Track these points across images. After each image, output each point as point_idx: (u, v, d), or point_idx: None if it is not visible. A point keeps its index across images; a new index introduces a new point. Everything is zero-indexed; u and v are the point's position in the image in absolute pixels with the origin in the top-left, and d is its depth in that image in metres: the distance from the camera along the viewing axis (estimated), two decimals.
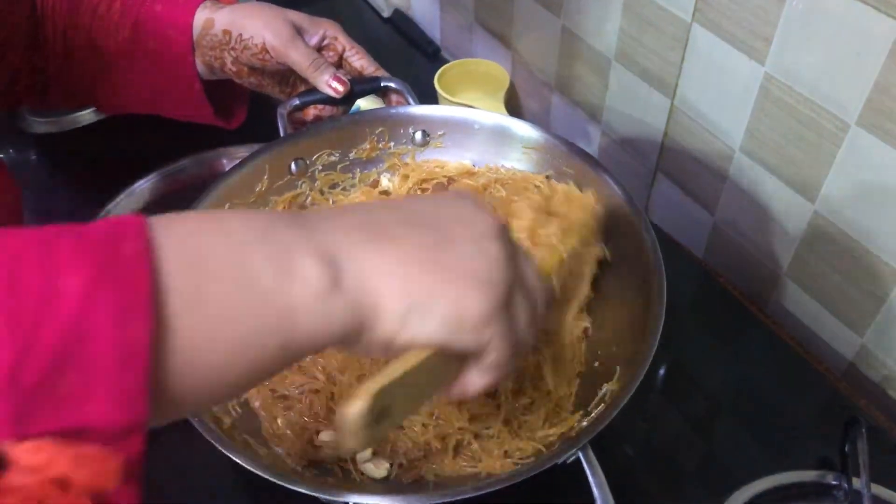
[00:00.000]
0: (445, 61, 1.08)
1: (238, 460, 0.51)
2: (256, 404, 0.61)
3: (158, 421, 0.32)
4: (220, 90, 0.82)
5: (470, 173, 0.76)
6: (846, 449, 0.60)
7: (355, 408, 0.36)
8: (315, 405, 0.62)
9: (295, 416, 0.61)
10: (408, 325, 0.39)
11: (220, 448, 0.51)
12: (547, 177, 0.73)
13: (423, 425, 0.60)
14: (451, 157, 0.77)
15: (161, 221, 0.33)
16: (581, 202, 0.66)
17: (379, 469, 0.58)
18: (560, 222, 0.64)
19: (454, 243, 0.41)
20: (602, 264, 0.68)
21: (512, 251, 0.43)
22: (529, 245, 0.62)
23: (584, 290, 0.67)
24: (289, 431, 0.60)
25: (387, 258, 0.39)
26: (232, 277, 0.34)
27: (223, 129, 0.85)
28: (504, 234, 0.43)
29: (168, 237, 0.33)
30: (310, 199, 0.76)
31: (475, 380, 0.44)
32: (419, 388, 0.41)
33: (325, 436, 0.60)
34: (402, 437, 0.60)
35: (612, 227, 0.69)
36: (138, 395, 0.29)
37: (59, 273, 0.29)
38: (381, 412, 0.37)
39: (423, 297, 0.39)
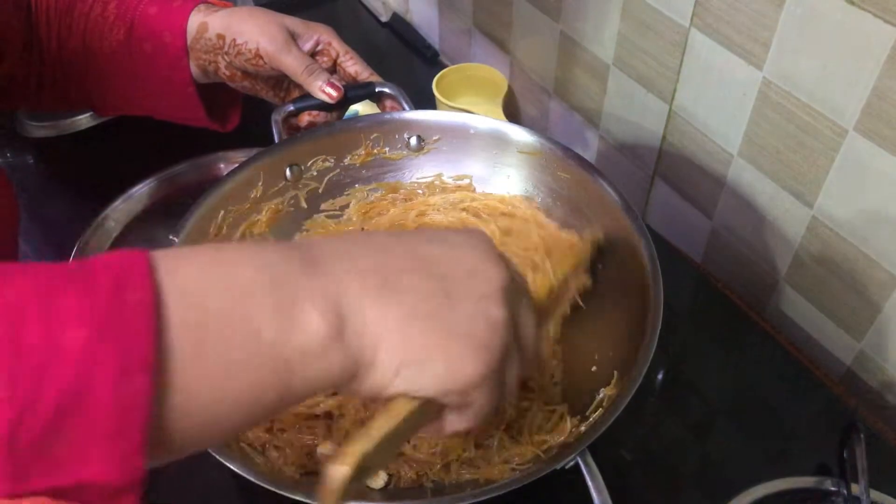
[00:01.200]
0: (444, 66, 1.08)
1: (235, 469, 0.51)
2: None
3: (153, 465, 0.32)
4: (214, 93, 0.82)
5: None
6: (844, 455, 0.60)
7: (341, 472, 0.36)
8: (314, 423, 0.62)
9: (292, 434, 0.61)
10: (400, 378, 0.39)
11: (217, 456, 0.51)
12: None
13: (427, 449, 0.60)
14: (447, 163, 0.78)
15: (167, 262, 0.33)
16: (574, 245, 0.68)
17: (377, 480, 0.58)
18: (557, 253, 0.66)
19: (459, 301, 0.40)
20: (599, 270, 0.68)
21: (513, 312, 0.43)
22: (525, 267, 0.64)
23: (561, 309, 0.67)
24: (288, 450, 0.60)
25: (392, 313, 0.38)
26: (235, 331, 0.34)
27: (219, 132, 0.85)
28: (507, 294, 0.42)
29: (173, 284, 0.32)
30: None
31: (453, 424, 0.44)
32: (400, 437, 0.41)
33: (324, 449, 0.59)
34: (405, 458, 0.59)
35: (608, 233, 0.69)
36: (134, 454, 0.29)
37: (61, 328, 0.29)
38: (364, 469, 0.37)
39: (420, 355, 0.39)
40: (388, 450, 0.40)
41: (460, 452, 0.59)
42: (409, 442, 0.59)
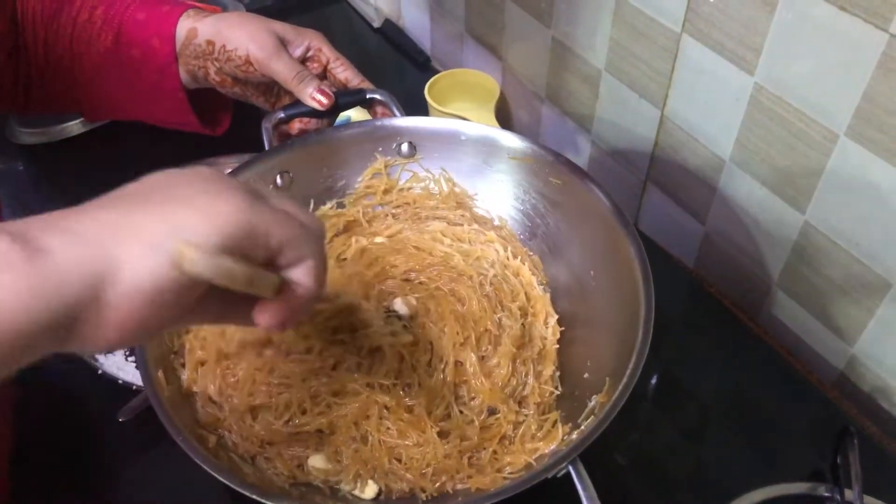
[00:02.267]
0: (436, 71, 1.08)
1: (225, 480, 0.50)
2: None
3: None
4: (204, 97, 0.82)
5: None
6: (838, 460, 0.60)
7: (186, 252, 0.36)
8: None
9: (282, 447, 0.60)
10: (157, 254, 0.36)
11: (206, 468, 0.51)
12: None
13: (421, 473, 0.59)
14: (437, 170, 0.77)
15: None
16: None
17: (367, 490, 0.58)
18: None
19: (186, 193, 0.39)
20: (591, 277, 0.68)
21: (253, 189, 0.42)
22: None
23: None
24: (278, 462, 0.59)
25: (102, 217, 0.37)
26: None
27: (211, 138, 0.84)
28: (239, 183, 0.41)
29: None
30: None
31: (296, 280, 0.42)
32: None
33: (314, 461, 0.59)
34: (396, 477, 0.59)
35: (600, 238, 0.69)
36: None
37: None
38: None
39: (163, 222, 0.37)
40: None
41: (454, 473, 0.59)
42: (399, 461, 0.59)
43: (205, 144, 0.85)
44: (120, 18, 0.75)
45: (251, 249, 0.39)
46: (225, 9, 0.98)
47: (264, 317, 0.43)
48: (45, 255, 0.34)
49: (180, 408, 0.58)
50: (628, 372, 0.55)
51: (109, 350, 0.39)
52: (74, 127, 0.98)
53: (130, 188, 0.40)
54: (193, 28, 0.75)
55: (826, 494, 0.61)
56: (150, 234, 0.36)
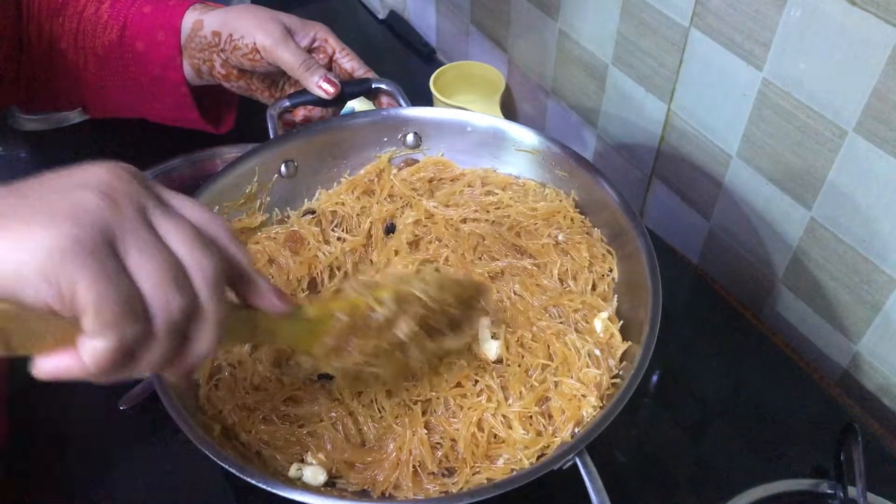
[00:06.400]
0: (441, 63, 1.08)
1: (233, 470, 0.50)
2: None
3: None
4: (209, 95, 0.81)
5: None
6: (841, 457, 0.60)
7: None
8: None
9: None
10: None
11: (213, 458, 0.50)
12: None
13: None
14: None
15: None
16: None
17: (317, 476, 0.57)
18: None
19: (34, 197, 0.35)
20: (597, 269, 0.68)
21: (133, 200, 0.37)
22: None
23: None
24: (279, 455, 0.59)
25: None
26: None
27: (214, 133, 0.84)
28: (116, 189, 0.37)
29: None
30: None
31: (87, 347, 0.36)
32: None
33: (293, 471, 0.58)
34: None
35: (607, 232, 0.68)
36: None
37: None
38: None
39: None
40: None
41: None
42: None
43: (207, 135, 0.85)
44: (126, 12, 0.75)
45: (49, 300, 0.34)
46: (230, 2, 0.97)
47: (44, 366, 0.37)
48: None
49: (185, 397, 0.57)
50: (635, 366, 0.54)
51: None
52: (76, 114, 0.97)
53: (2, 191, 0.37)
54: (199, 20, 0.75)
55: (829, 491, 0.61)
56: None
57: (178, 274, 0.37)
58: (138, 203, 0.37)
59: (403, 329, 0.53)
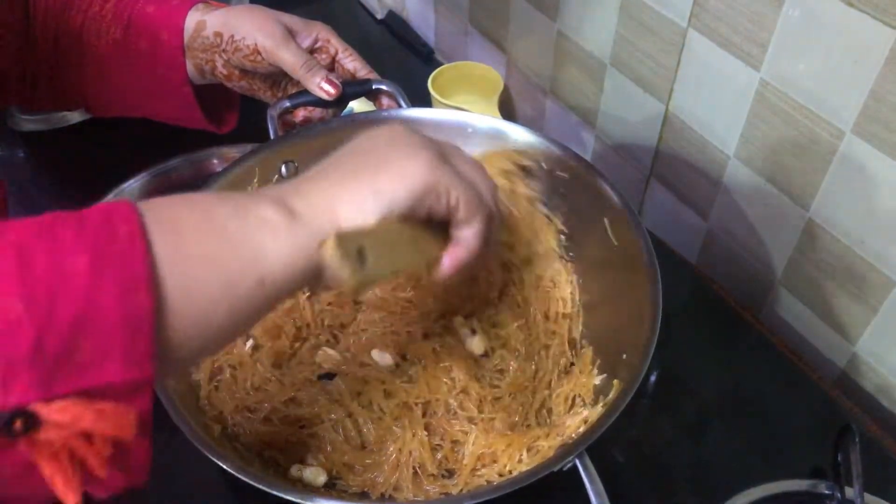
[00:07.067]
0: (439, 64, 1.08)
1: (234, 471, 0.50)
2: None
3: (162, 374, 0.36)
4: (212, 95, 0.81)
5: None
6: (839, 458, 0.60)
7: (327, 245, 0.42)
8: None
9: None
10: (366, 211, 0.44)
11: (213, 459, 0.51)
12: None
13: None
14: None
15: (144, 204, 0.39)
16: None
17: (317, 478, 0.58)
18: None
19: (386, 156, 0.47)
20: (595, 267, 0.68)
21: (440, 149, 0.49)
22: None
23: None
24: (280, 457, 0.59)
25: (329, 183, 0.45)
26: (203, 231, 0.39)
27: (216, 132, 0.84)
28: (430, 142, 0.49)
29: (152, 215, 0.37)
30: None
31: (465, 238, 0.50)
32: (400, 246, 0.47)
33: (308, 476, 0.58)
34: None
35: (609, 234, 0.68)
36: (146, 355, 0.34)
37: (65, 255, 0.34)
38: (360, 254, 0.43)
39: (370, 186, 0.45)
40: (387, 251, 0.46)
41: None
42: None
43: (209, 133, 0.85)
44: (130, 11, 0.75)
45: (434, 203, 0.47)
46: (230, 2, 0.97)
47: (446, 261, 0.51)
48: (299, 218, 0.42)
49: (185, 397, 0.58)
50: (636, 368, 0.54)
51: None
52: (76, 114, 0.97)
53: (343, 156, 0.48)
54: (202, 20, 0.75)
55: (826, 492, 0.61)
56: (361, 197, 0.45)
57: (481, 174, 0.53)
58: (447, 153, 0.50)
59: None
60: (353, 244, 0.43)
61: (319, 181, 0.46)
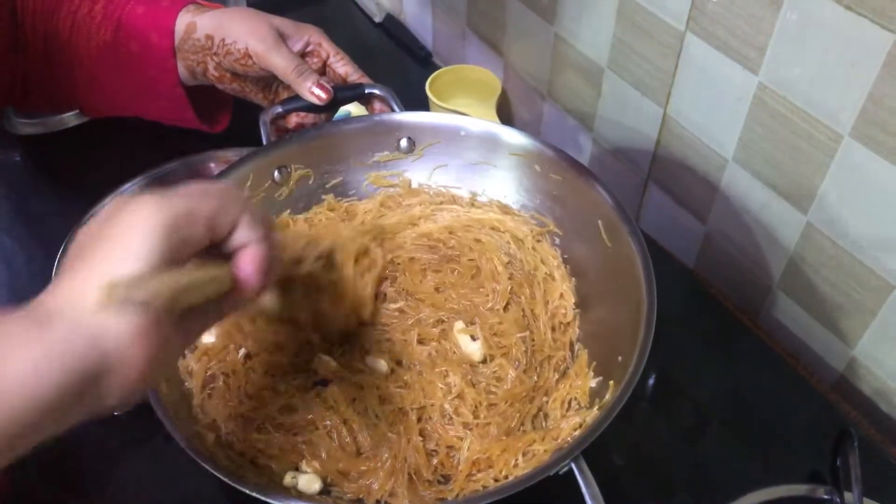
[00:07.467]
0: (437, 67, 1.07)
1: (227, 480, 0.50)
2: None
3: None
4: (204, 94, 0.81)
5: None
6: (838, 462, 0.60)
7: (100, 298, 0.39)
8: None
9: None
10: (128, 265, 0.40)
11: (207, 467, 0.50)
12: None
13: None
14: (439, 165, 0.77)
15: None
16: None
17: (312, 485, 0.57)
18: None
19: (105, 228, 0.42)
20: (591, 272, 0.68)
21: (160, 196, 0.44)
22: None
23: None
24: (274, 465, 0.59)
25: (70, 282, 0.40)
26: None
27: (209, 132, 0.84)
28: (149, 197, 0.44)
29: None
30: None
31: (240, 240, 0.46)
32: (193, 285, 0.43)
33: (288, 479, 0.58)
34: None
35: (603, 236, 0.68)
36: None
37: None
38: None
39: (100, 273, 0.39)
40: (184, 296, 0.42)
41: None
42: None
43: (203, 138, 0.85)
44: (119, 13, 0.75)
45: (190, 234, 0.42)
46: (226, 4, 0.97)
47: (245, 271, 0.46)
48: (50, 327, 0.38)
49: (178, 406, 0.57)
50: (632, 369, 0.54)
51: (144, 388, 0.43)
52: (73, 118, 0.97)
53: (74, 246, 0.43)
54: (193, 22, 0.75)
55: (825, 497, 0.61)
56: (95, 293, 0.38)
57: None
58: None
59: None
60: (133, 291, 0.39)
61: (63, 280, 0.41)
